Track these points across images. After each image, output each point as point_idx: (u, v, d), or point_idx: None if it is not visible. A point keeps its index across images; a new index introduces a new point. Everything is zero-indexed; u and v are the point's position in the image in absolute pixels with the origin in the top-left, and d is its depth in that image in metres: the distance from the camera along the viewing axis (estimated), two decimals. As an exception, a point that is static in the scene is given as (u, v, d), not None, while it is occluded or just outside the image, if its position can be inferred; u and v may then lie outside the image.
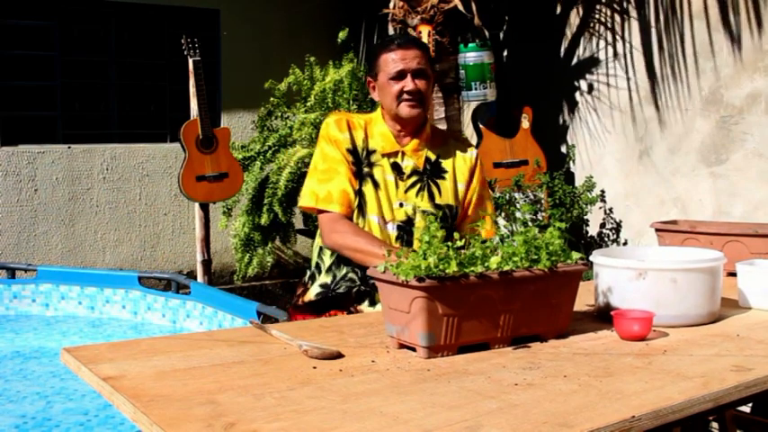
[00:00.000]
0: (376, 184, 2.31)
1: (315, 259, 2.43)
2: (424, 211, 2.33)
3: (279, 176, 5.49)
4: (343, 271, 2.34)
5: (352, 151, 2.33)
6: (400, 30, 4.95)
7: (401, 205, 2.31)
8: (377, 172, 2.32)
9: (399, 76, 2.29)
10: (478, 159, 2.47)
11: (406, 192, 2.33)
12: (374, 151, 2.34)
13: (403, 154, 2.35)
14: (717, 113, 4.49)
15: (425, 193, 2.34)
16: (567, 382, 1.56)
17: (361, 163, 2.33)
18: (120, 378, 1.56)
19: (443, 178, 2.39)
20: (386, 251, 1.82)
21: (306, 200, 2.35)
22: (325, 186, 2.32)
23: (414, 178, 2.35)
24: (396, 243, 2.30)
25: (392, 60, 2.30)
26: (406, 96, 2.29)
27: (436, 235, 1.78)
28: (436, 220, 2.21)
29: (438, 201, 2.35)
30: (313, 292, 2.38)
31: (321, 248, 2.40)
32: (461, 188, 2.42)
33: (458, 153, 2.43)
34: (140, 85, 6.44)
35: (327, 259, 2.37)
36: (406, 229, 2.31)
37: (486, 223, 2.37)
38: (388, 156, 2.34)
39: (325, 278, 2.37)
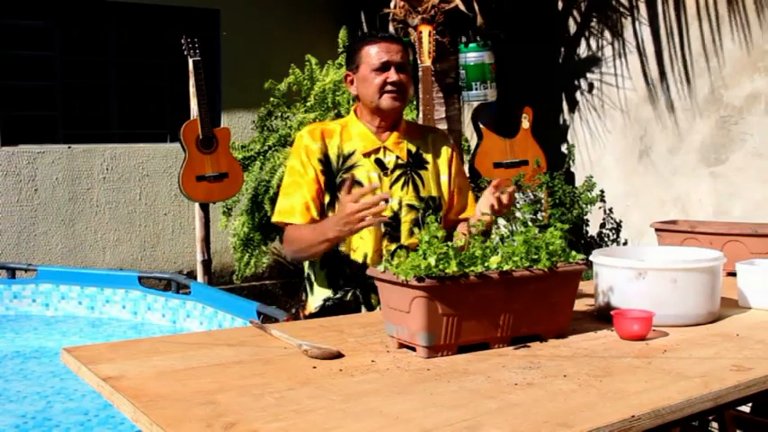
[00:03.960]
0: (359, 185, 2.30)
1: (306, 270, 2.43)
2: (409, 205, 2.32)
3: (272, 176, 5.50)
4: (342, 281, 2.33)
5: (324, 161, 2.32)
6: (401, 30, 4.95)
7: (387, 201, 2.31)
8: (358, 172, 2.31)
9: (383, 67, 2.29)
10: (454, 150, 2.49)
11: (390, 187, 2.32)
12: (353, 153, 2.33)
13: (385, 149, 2.35)
14: (717, 113, 4.49)
15: (410, 187, 2.34)
16: (566, 381, 1.56)
17: (336, 171, 2.32)
18: (120, 378, 1.56)
19: (426, 169, 2.39)
20: (318, 232, 2.16)
21: (274, 215, 2.38)
22: (288, 200, 2.34)
23: (398, 172, 2.34)
24: (385, 240, 2.29)
25: (375, 52, 2.30)
26: (389, 88, 2.28)
27: (437, 235, 1.78)
28: (424, 213, 2.21)
29: (422, 193, 2.35)
30: (313, 304, 2.37)
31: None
32: (444, 180, 2.42)
33: (436, 145, 2.44)
34: (140, 85, 6.44)
35: (319, 271, 2.36)
36: (392, 224, 2.31)
37: (469, 208, 2.48)
38: (369, 154, 2.33)
39: (324, 291, 2.36)
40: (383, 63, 2.29)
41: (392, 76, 2.28)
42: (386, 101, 2.30)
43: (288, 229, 2.32)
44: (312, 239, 2.22)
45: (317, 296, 2.37)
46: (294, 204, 2.31)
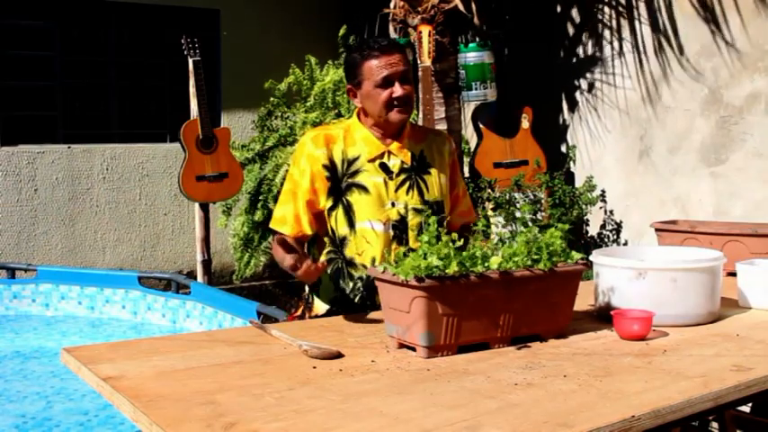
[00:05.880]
0: (365, 190, 2.29)
1: None
2: (415, 209, 2.32)
3: (276, 174, 5.50)
4: (351, 284, 2.33)
5: (330, 167, 2.30)
6: (401, 30, 4.95)
7: (393, 205, 2.31)
8: (363, 177, 2.30)
9: (386, 83, 2.26)
10: (454, 152, 2.50)
11: (396, 191, 2.32)
12: (357, 158, 2.32)
13: (389, 153, 2.34)
14: (717, 113, 4.48)
15: (415, 191, 2.34)
16: (566, 381, 1.56)
17: (341, 176, 2.31)
18: (120, 378, 1.56)
19: (429, 173, 2.39)
20: (281, 256, 2.13)
21: (271, 221, 2.39)
22: (282, 208, 2.34)
23: (403, 176, 2.34)
24: (393, 244, 2.29)
25: (376, 67, 2.26)
26: (396, 103, 2.27)
27: (438, 235, 1.78)
28: (427, 217, 2.22)
29: (427, 197, 2.35)
30: (323, 307, 2.37)
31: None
32: (443, 181, 2.42)
33: (438, 147, 2.44)
34: (140, 85, 6.44)
35: (324, 274, 2.35)
36: (400, 227, 2.31)
37: (470, 212, 2.56)
38: (374, 159, 2.33)
39: (333, 292, 2.36)
40: (386, 79, 2.25)
41: (397, 90, 2.25)
42: (393, 115, 2.28)
43: (276, 237, 2.33)
44: (279, 258, 2.22)
45: (324, 298, 2.37)
46: (286, 214, 2.32)
